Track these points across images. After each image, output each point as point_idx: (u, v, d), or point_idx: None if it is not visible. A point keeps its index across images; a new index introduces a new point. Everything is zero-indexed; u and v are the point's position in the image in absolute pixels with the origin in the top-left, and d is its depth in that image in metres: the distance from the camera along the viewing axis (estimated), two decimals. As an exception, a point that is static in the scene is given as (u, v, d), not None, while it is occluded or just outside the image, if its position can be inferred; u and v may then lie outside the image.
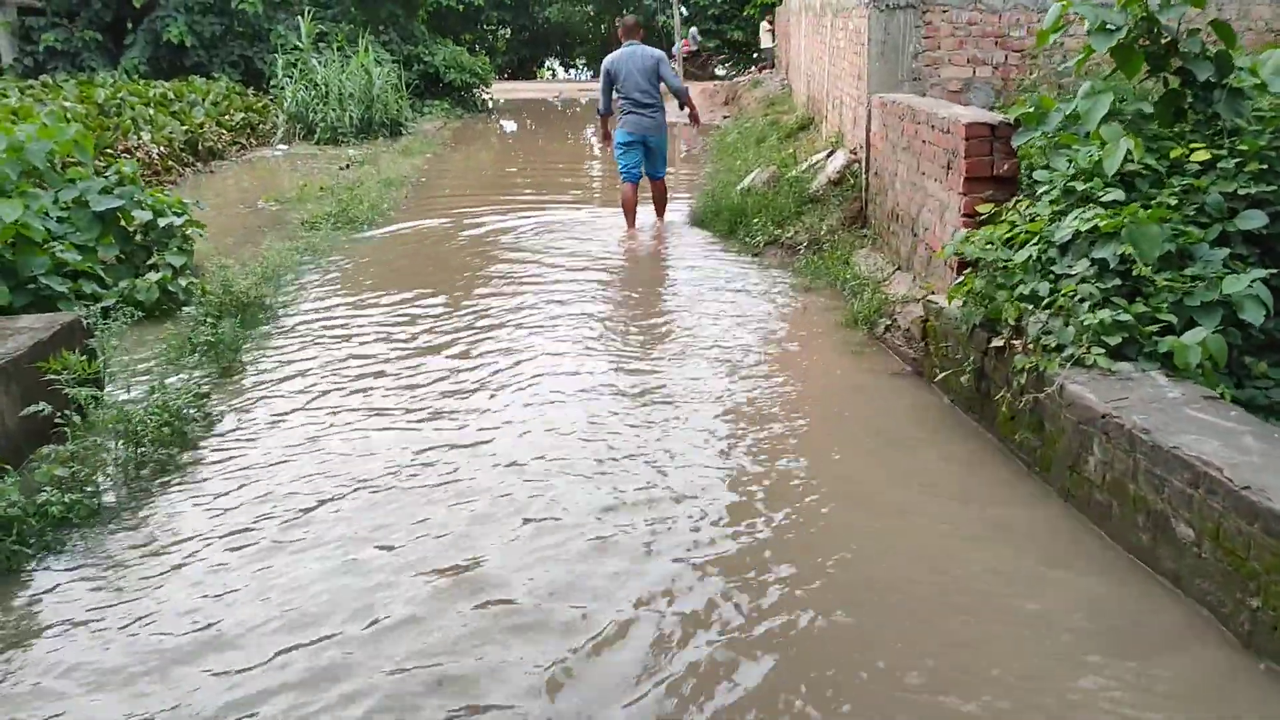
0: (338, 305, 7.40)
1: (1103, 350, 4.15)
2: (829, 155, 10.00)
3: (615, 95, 9.72)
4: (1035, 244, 4.76)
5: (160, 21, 20.89)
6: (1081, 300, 4.32)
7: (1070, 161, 4.90)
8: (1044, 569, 3.70)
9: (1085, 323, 4.21)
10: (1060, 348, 4.25)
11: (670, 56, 9.63)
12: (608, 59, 9.69)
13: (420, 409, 5.40)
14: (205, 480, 4.55)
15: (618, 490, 4.43)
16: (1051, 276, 4.62)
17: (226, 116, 17.12)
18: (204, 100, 17.31)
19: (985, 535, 3.98)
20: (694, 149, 9.72)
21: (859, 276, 7.28)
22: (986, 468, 4.54)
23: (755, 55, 32.30)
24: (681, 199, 11.66)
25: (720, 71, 34.77)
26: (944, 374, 5.07)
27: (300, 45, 19.40)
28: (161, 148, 13.79)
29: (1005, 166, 5.40)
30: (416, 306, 7.42)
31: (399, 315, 7.18)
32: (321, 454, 4.82)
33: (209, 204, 11.27)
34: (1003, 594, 3.57)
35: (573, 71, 42.18)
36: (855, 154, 9.16)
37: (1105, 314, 4.20)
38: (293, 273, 8.23)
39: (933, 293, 5.92)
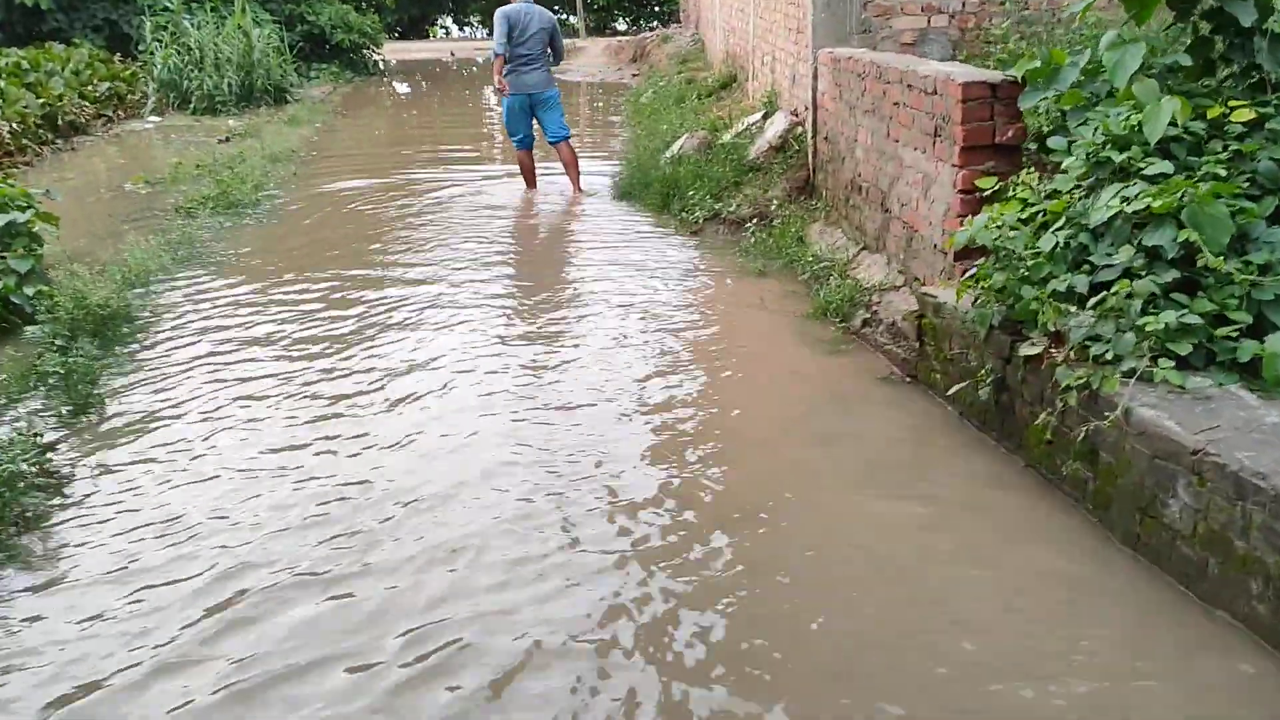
0: (217, 311, 6.31)
1: (1171, 362, 3.40)
2: (765, 118, 9.14)
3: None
4: (1062, 228, 3.99)
5: (11, -17, 18.93)
6: (1131, 297, 3.55)
7: (1097, 127, 4.11)
8: (1136, 657, 2.93)
9: (1145, 327, 3.45)
10: (1117, 359, 3.48)
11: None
12: (506, 9, 9.25)
13: (317, 442, 4.43)
14: (44, 589, 3.50)
15: (526, 554, 3.56)
16: (1087, 268, 3.85)
17: (90, 87, 15.46)
18: (63, 69, 15.60)
19: (1046, 600, 3.20)
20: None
21: (819, 257, 6.47)
22: (1020, 502, 3.77)
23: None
24: (602, 167, 10.71)
25: (621, 26, 33.65)
26: (956, 386, 4.27)
27: (170, 6, 17.71)
28: (13, 124, 12.26)
29: (1009, 133, 4.61)
30: (309, 305, 6.37)
31: (289, 318, 6.13)
32: (200, 525, 3.82)
33: (68, 189, 9.98)
34: (1103, 695, 2.80)
35: (467, 30, 40.49)
36: (797, 116, 8.33)
37: (1169, 315, 3.45)
38: (164, 272, 7.07)
39: (922, 282, 5.14)
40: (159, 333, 5.89)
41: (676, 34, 21.08)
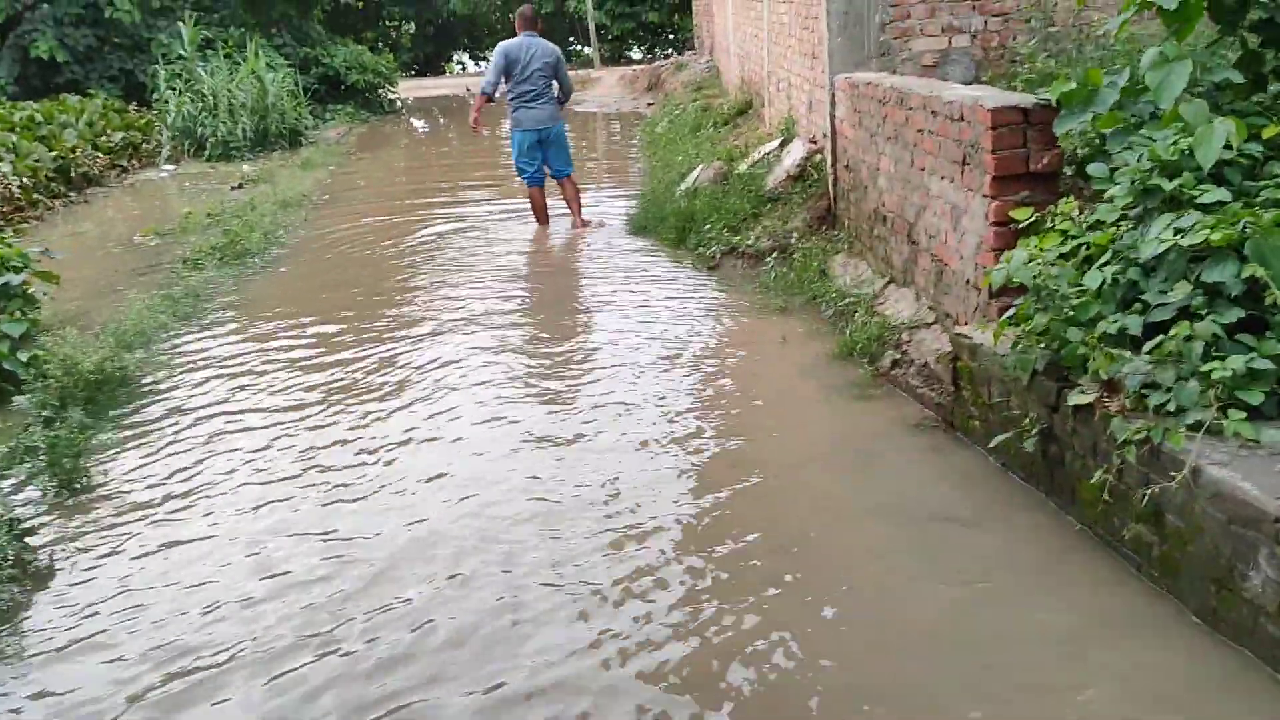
0: (217, 372, 6.05)
1: (1242, 413, 3.05)
2: (783, 145, 8.85)
3: (508, 85, 9.10)
4: (1109, 263, 3.65)
5: (27, 36, 19.00)
6: (1192, 340, 3.21)
7: (1142, 152, 3.78)
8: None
9: (1211, 373, 3.11)
10: (1180, 410, 3.14)
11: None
12: (505, 44, 9.14)
13: (326, 517, 4.15)
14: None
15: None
16: (1139, 307, 3.51)
17: (104, 137, 15.40)
18: (77, 120, 15.58)
19: (1119, 688, 2.85)
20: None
21: (843, 293, 6.15)
22: (1077, 569, 3.41)
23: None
24: (618, 200, 10.46)
25: (636, 55, 33.53)
26: (999, 438, 3.93)
27: (184, 54, 17.70)
28: (24, 179, 12.16)
29: (1045, 160, 4.28)
30: (316, 361, 6.11)
31: (295, 377, 5.87)
32: (203, 620, 3.53)
33: (78, 242, 9.85)
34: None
35: (482, 64, 40.60)
36: (816, 144, 8.03)
37: (1237, 360, 3.10)
38: (165, 330, 6.83)
39: (954, 320, 4.81)
40: (155, 398, 5.64)
41: (691, 61, 20.88)
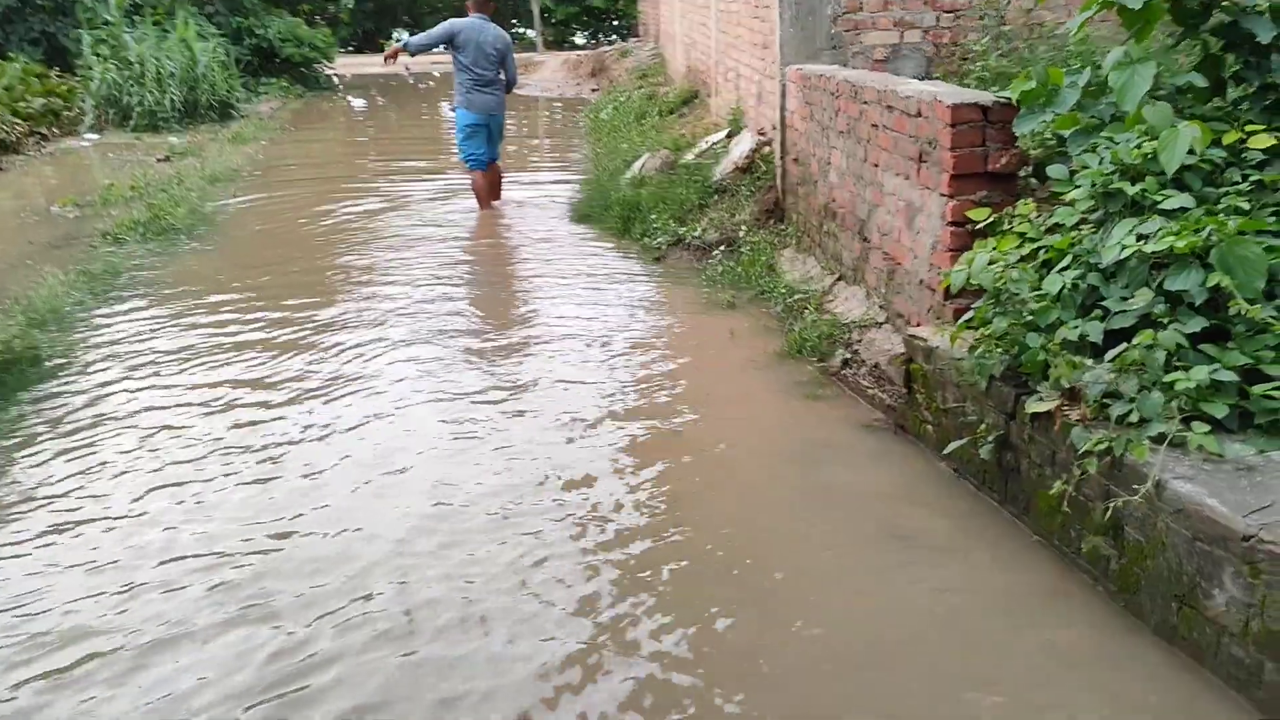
0: (139, 352, 5.75)
1: (1206, 426, 2.98)
2: (730, 136, 8.73)
3: (454, 65, 8.95)
4: (1069, 268, 3.57)
5: (-59, -4, 18.16)
6: (1153, 349, 3.13)
7: (1104, 155, 3.70)
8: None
9: (1175, 384, 3.03)
10: (1143, 421, 3.06)
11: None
12: (458, 20, 8.96)
13: (245, 501, 3.92)
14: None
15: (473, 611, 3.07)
16: (1099, 313, 3.43)
17: (23, 103, 14.78)
18: (-5, 85, 14.93)
19: (1077, 707, 2.76)
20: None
21: (792, 289, 6.03)
22: (1032, 580, 3.33)
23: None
24: (561, 188, 10.26)
25: (580, 40, 33.22)
26: (954, 445, 3.83)
27: (110, 19, 17.01)
28: (-66, 145, 11.60)
29: (1004, 160, 4.19)
30: (242, 343, 5.83)
31: (218, 359, 5.59)
32: (112, 602, 3.30)
33: (-9, 211, 9.38)
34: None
35: (423, 43, 39.86)
36: (764, 135, 7.92)
37: (1201, 371, 3.03)
38: (82, 308, 6.49)
39: (907, 320, 4.71)
40: (67, 379, 5.33)
41: (636, 48, 20.69)
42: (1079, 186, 3.77)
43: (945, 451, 3.89)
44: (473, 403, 4.95)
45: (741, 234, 7.13)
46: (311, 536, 3.75)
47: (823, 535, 3.70)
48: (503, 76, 9.15)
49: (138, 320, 6.32)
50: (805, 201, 6.67)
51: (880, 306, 5.12)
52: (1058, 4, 7.15)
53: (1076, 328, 3.38)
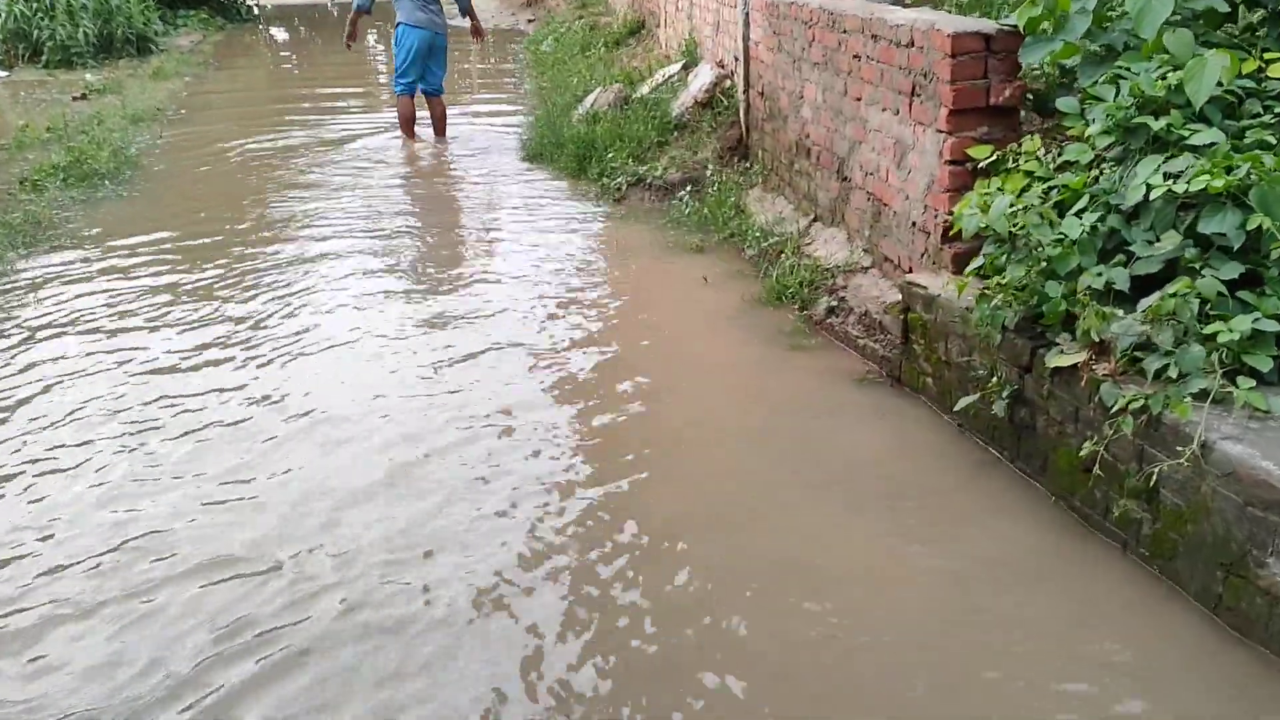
0: (66, 308, 5.31)
1: (1251, 381, 2.79)
2: (686, 69, 8.36)
3: None
4: (1087, 209, 3.34)
5: None
6: (1188, 297, 2.92)
7: (1126, 87, 3.45)
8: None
9: (1218, 336, 2.83)
10: (1182, 376, 2.85)
11: None
12: None
13: (184, 463, 3.58)
14: None
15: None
16: (1121, 259, 3.21)
17: (-78, 39, 13.82)
18: (-111, 19, 13.91)
19: (1106, 681, 2.58)
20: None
21: (765, 231, 5.75)
22: (1055, 545, 3.14)
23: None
24: (506, 125, 9.82)
25: (511, -31, 32.16)
26: (964, 401, 3.61)
27: (13, -54, 15.92)
28: None
29: (1007, 93, 3.93)
30: (174, 296, 5.42)
31: (151, 314, 5.18)
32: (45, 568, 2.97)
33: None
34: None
35: (348, -27, 38.45)
36: (724, 68, 7.57)
37: (1243, 321, 2.83)
38: (3, 261, 5.99)
39: (895, 265, 4.47)
40: (-11, 343, 4.89)
41: (574, -24, 19.98)
42: (1093, 121, 3.52)
43: (956, 408, 3.66)
44: (415, 365, 4.61)
45: (707, 174, 6.80)
46: (260, 497, 3.43)
47: (819, 499, 3.47)
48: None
49: (64, 274, 5.85)
50: (773, 138, 6.36)
51: (865, 250, 4.87)
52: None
53: (1101, 274, 3.16)
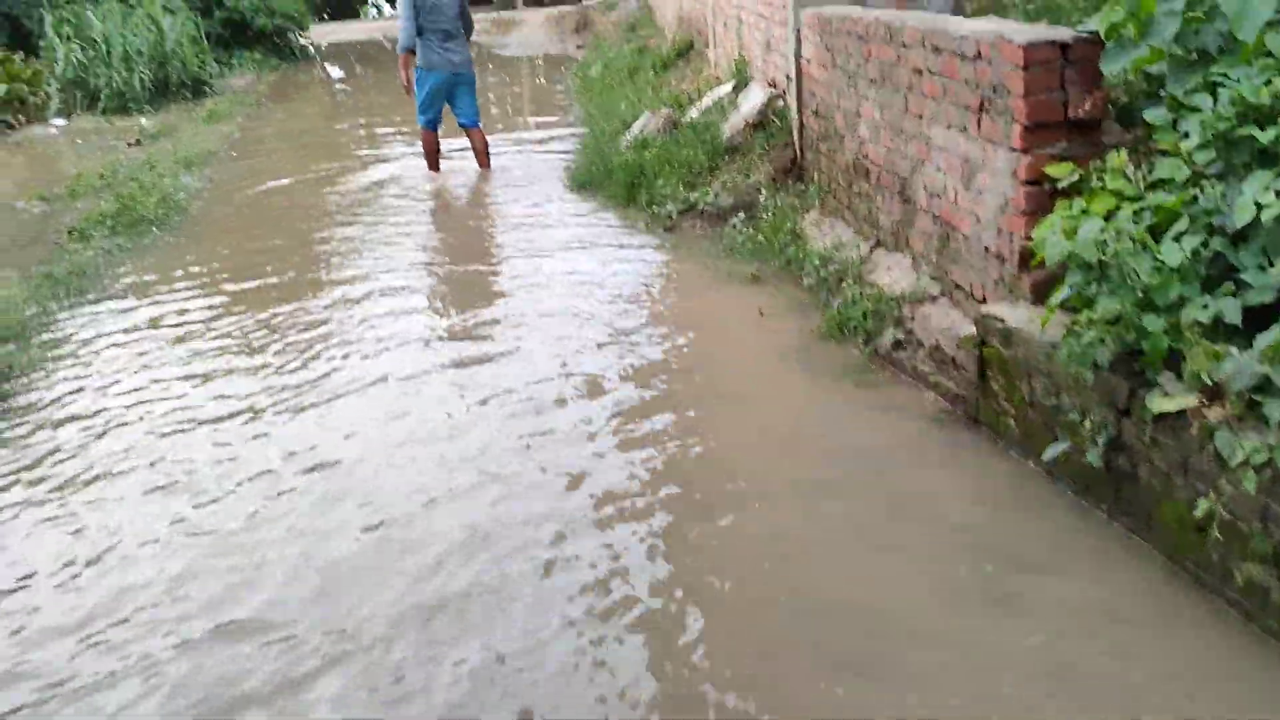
0: (107, 365, 5.17)
1: (1398, 430, 2.42)
2: (737, 90, 8.09)
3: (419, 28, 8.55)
4: (1187, 233, 2.99)
5: (-107, -20, 17.34)
6: (1311, 333, 2.56)
7: (1225, 96, 3.10)
8: None
9: (1352, 379, 2.47)
10: (1313, 424, 2.49)
11: None
12: None
13: (234, 536, 3.36)
14: None
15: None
16: (1228, 287, 2.86)
17: (-17, 91, 14.06)
18: (-48, 73, 14.18)
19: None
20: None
21: (824, 257, 5.44)
22: (1166, 611, 2.78)
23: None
24: (555, 154, 9.63)
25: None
26: (1055, 449, 3.26)
27: (72, -4, 16.20)
28: (-113, 140, 10.92)
29: (1087, 105, 3.59)
30: (219, 350, 5.25)
31: (194, 369, 5.02)
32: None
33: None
34: None
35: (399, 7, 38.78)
36: (776, 87, 7.28)
37: (1383, 361, 2.47)
38: (45, 316, 5.90)
39: (968, 293, 4.13)
40: (26, 405, 4.75)
41: (621, 0, 19.90)
42: (1188, 134, 3.17)
43: (1045, 457, 3.32)
44: (458, 400, 4.38)
45: (761, 199, 6.51)
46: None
47: (897, 557, 3.15)
48: (464, 33, 8.78)
49: (106, 328, 5.73)
50: (829, 159, 6.05)
51: (933, 277, 4.54)
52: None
53: (1207, 306, 2.81)
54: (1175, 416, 2.80)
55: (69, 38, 15.13)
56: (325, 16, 32.07)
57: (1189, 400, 2.76)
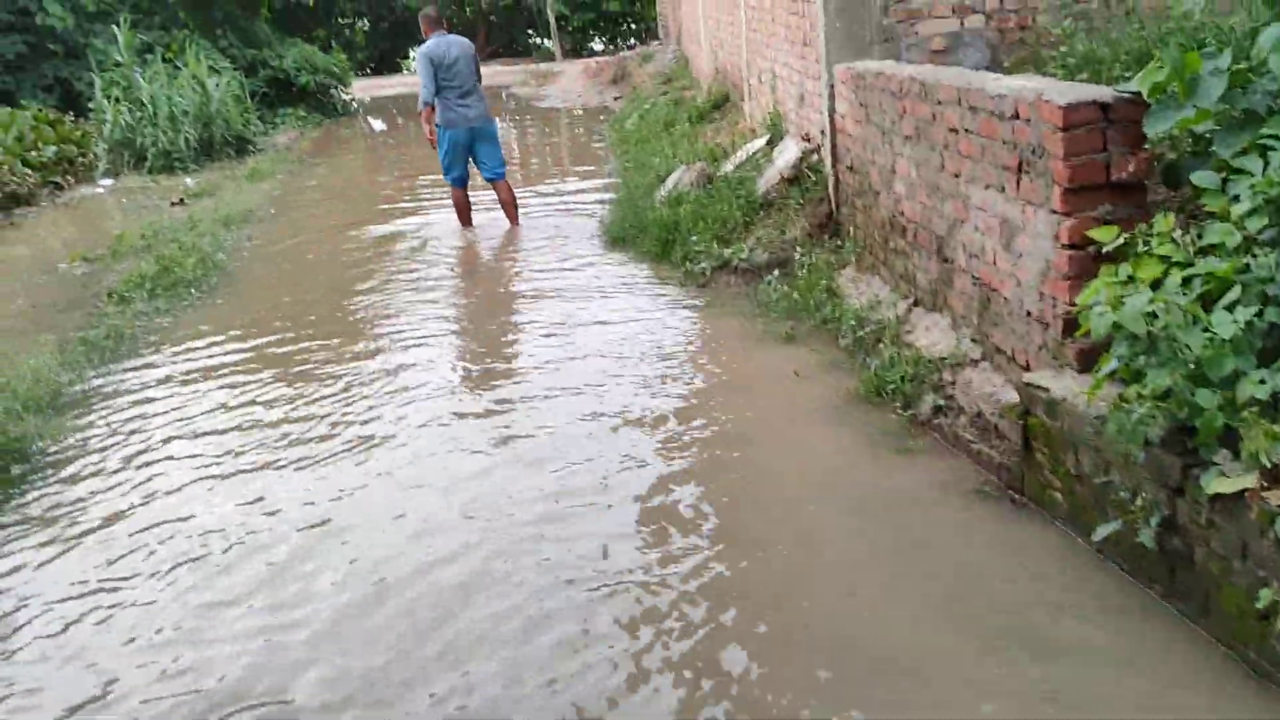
0: (141, 434, 5.15)
1: None
2: (771, 144, 8.04)
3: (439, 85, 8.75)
4: (1240, 302, 2.85)
5: (-50, 45, 17.87)
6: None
7: (1269, 159, 2.98)
8: None
9: None
10: (1381, 512, 2.34)
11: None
12: (427, 48, 8.75)
13: (271, 613, 3.28)
14: None
15: None
16: (1286, 360, 2.71)
17: (34, 152, 14.35)
18: (5, 135, 14.50)
19: None
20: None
21: (861, 317, 5.32)
22: (1230, 708, 2.61)
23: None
24: (588, 207, 9.61)
25: (597, 46, 32.63)
26: (1105, 530, 3.11)
27: (121, 60, 16.55)
28: (-64, 203, 11.15)
29: (1131, 167, 3.47)
30: (253, 419, 5.21)
31: (229, 439, 4.98)
32: None
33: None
34: None
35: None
36: (810, 141, 7.22)
37: None
38: (79, 382, 5.92)
39: (1010, 357, 4.00)
40: (60, 474, 4.73)
41: (658, 51, 20.06)
42: (1238, 198, 3.04)
43: (1095, 538, 3.16)
44: (510, 467, 4.30)
45: (796, 255, 6.41)
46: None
47: (939, 640, 3.00)
48: (480, 88, 8.98)
49: (140, 395, 5.72)
50: (864, 215, 5.96)
51: (973, 339, 4.41)
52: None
53: (1264, 382, 2.66)
54: (1233, 498, 2.65)
55: (118, 100, 15.46)
56: (370, 70, 32.69)
57: (1247, 481, 2.60)
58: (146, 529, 4.12)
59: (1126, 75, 4.62)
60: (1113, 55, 4.87)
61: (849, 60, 6.27)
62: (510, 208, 9.14)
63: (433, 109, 8.79)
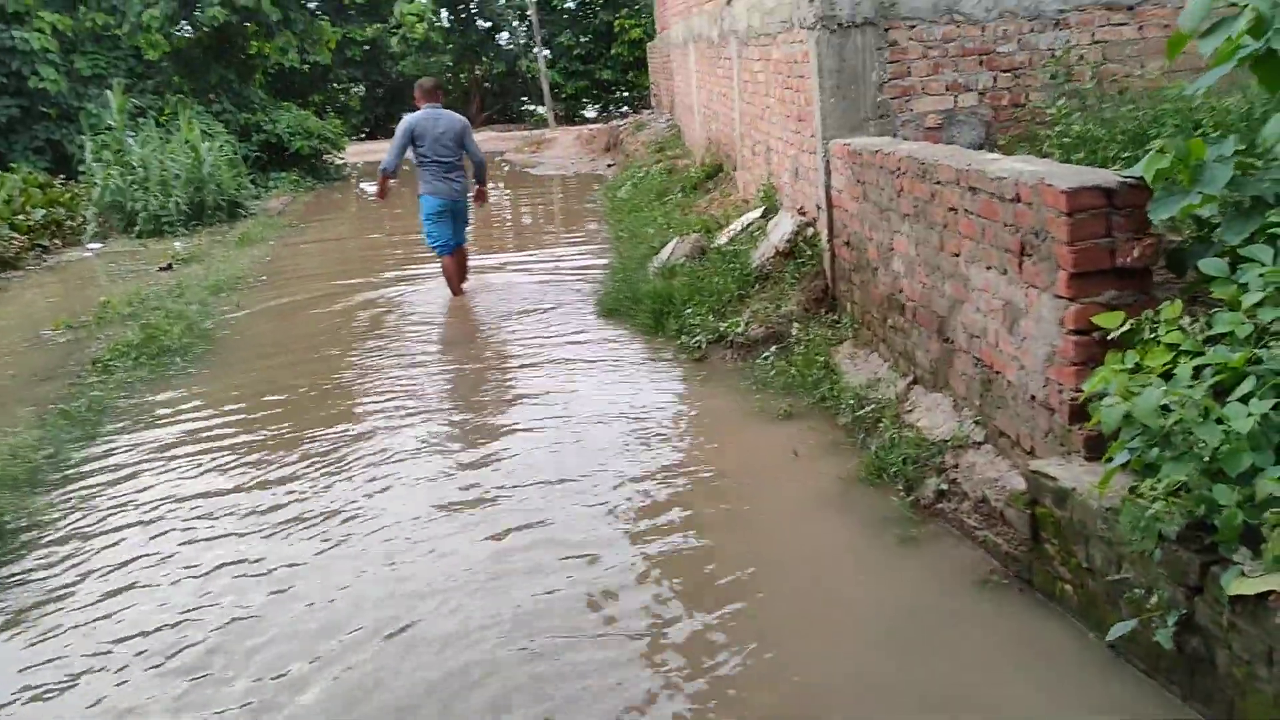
0: (120, 513, 5.01)
1: None
2: (765, 216, 8.02)
3: (414, 156, 8.89)
4: (1254, 394, 2.78)
5: (-57, 109, 17.91)
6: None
7: (1278, 246, 2.93)
8: None
9: None
10: None
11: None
12: (410, 118, 8.88)
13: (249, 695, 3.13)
14: None
15: None
16: (1306, 455, 2.63)
17: (22, 215, 14.31)
18: (-8, 198, 14.45)
19: None
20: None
21: (860, 396, 5.24)
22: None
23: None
24: (581, 277, 9.57)
25: (590, 113, 32.97)
26: (1120, 630, 3.00)
27: (113, 124, 16.59)
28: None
29: (1136, 252, 3.41)
30: (232, 499, 5.08)
31: (208, 521, 4.84)
32: None
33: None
34: None
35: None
36: (806, 215, 7.20)
37: None
38: (57, 458, 5.77)
39: (1014, 441, 3.91)
40: (34, 558, 4.58)
41: (650, 120, 20.21)
42: (1247, 286, 2.99)
43: (1109, 638, 3.05)
44: (490, 552, 4.17)
45: (792, 330, 6.35)
46: None
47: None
48: (464, 161, 9.07)
49: (120, 471, 5.57)
50: (862, 291, 5.91)
51: (976, 421, 4.32)
52: (1125, 55, 6.45)
53: (1282, 478, 2.58)
54: (1256, 600, 2.55)
55: (109, 163, 15.46)
56: (364, 134, 32.90)
57: (1272, 583, 2.50)
58: (103, 618, 3.97)
59: (1123, 155, 4.62)
60: (1109, 135, 4.86)
61: (844, 136, 6.27)
62: (462, 268, 9.34)
63: (391, 175, 8.99)
